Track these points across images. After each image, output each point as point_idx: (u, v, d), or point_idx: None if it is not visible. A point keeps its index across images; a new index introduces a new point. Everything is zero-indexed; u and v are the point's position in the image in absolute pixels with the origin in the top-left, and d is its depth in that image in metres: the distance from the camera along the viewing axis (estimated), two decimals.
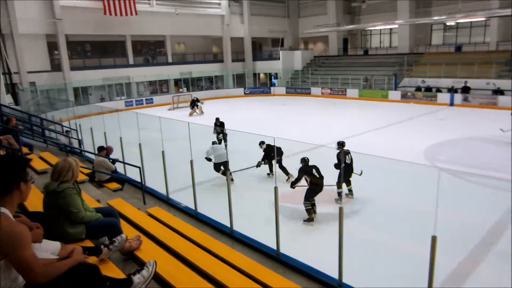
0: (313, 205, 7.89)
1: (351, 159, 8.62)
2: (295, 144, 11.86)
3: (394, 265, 6.02)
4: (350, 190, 8.85)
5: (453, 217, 7.22)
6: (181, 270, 3.39)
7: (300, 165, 8.02)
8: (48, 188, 3.29)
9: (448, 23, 29.87)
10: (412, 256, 6.12)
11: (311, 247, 6.63)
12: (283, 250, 4.64)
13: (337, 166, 8.53)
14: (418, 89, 26.60)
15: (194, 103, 24.08)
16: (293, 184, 7.97)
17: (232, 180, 9.81)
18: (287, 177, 10.17)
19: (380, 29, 34.68)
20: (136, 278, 2.78)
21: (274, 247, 4.69)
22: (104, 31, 27.49)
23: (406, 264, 5.93)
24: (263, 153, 10.40)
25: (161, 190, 7.51)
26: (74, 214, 3.28)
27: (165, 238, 4.11)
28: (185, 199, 6.88)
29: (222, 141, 13.33)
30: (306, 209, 7.81)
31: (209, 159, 10.23)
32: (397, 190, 9.24)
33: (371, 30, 35.46)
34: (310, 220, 7.78)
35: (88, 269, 2.33)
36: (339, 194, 8.66)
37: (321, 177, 7.84)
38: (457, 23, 29.03)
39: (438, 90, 25.46)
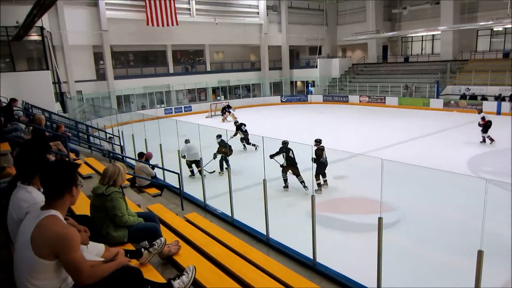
0: (286, 180, 10.25)
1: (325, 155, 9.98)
2: (331, 152, 11.72)
3: (436, 279, 5.77)
4: (325, 181, 10.17)
5: (501, 231, 6.82)
6: (218, 276, 3.43)
7: (281, 145, 9.93)
8: (96, 191, 3.46)
9: (495, 29, 28.53)
10: (457, 270, 5.85)
11: (348, 257, 6.48)
12: (320, 259, 4.59)
13: (314, 160, 9.60)
14: (462, 97, 25.53)
15: (225, 110, 25.07)
16: (271, 156, 9.86)
17: (204, 175, 11.16)
18: (213, 171, 11.63)
19: (422, 36, 33.67)
20: (176, 284, 2.86)
21: (310, 256, 4.64)
22: (146, 41, 28.53)
23: (450, 279, 5.67)
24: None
25: (198, 196, 7.65)
26: (118, 218, 3.42)
27: (202, 244, 4.18)
28: (221, 206, 6.96)
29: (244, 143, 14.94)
30: (283, 179, 10.20)
31: (183, 156, 11.20)
32: (439, 201, 8.88)
33: (412, 36, 34.53)
34: (285, 187, 10.25)
35: (131, 272, 2.41)
36: (318, 185, 9.94)
37: (291, 160, 9.86)
38: (505, 28, 27.65)
39: (484, 98, 24.30)
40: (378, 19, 34.09)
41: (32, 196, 2.45)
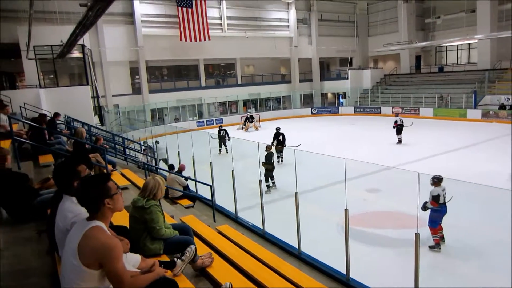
0: (278, 157, 14.34)
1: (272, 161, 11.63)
2: (364, 165, 11.54)
3: None
4: (273, 183, 11.54)
5: None
6: None
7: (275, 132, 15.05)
8: (136, 204, 3.59)
9: None
10: None
11: (384, 273, 6.31)
12: (353, 274, 4.51)
13: (264, 164, 11.11)
14: (502, 107, 24.48)
15: (247, 120, 26.74)
16: (272, 143, 14.46)
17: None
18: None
19: (457, 45, 32.71)
20: None
21: (344, 271, 4.57)
22: (179, 56, 29.40)
23: None
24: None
25: (230, 208, 7.71)
26: (156, 230, 3.52)
27: (234, 256, 4.21)
28: (252, 218, 6.99)
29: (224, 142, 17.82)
30: (277, 157, 14.02)
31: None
32: (479, 216, 8.50)
33: (446, 46, 33.61)
34: (278, 162, 14.22)
35: (168, 284, 2.48)
36: (268, 186, 11.28)
37: (279, 142, 14.60)
38: None
39: None
40: (410, 29, 33.48)
41: (77, 207, 2.57)
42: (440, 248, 7.06)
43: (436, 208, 6.99)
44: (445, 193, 7.04)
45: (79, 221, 2.27)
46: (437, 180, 7.02)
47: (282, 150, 14.17)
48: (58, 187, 2.93)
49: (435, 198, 6.96)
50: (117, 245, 2.12)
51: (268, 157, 11.38)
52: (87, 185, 2.25)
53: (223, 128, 18.97)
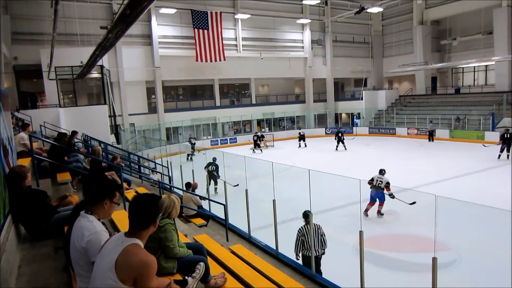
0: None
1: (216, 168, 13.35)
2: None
3: None
4: (215, 188, 13.34)
5: None
6: None
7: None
8: None
9: None
10: None
11: None
12: None
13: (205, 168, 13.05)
14: None
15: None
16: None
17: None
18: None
19: (474, 66, 32.46)
20: None
21: None
22: (195, 76, 29.91)
23: None
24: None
25: (243, 227, 7.66)
26: (170, 249, 3.52)
27: (247, 277, 4.19)
28: (265, 238, 6.93)
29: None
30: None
31: None
32: (500, 242, 8.24)
33: (463, 67, 33.38)
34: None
35: None
36: (207, 189, 12.37)
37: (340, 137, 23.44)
38: None
39: None
40: (426, 51, 33.43)
41: (93, 225, 2.59)
42: (367, 215, 10.16)
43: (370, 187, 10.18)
44: (379, 180, 10.10)
45: (116, 236, 2.31)
46: (380, 171, 10.37)
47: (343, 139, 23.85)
48: (88, 197, 2.84)
49: (370, 180, 10.20)
50: (154, 263, 2.16)
51: (208, 165, 13.24)
52: (148, 203, 2.32)
53: (257, 134, 25.76)
